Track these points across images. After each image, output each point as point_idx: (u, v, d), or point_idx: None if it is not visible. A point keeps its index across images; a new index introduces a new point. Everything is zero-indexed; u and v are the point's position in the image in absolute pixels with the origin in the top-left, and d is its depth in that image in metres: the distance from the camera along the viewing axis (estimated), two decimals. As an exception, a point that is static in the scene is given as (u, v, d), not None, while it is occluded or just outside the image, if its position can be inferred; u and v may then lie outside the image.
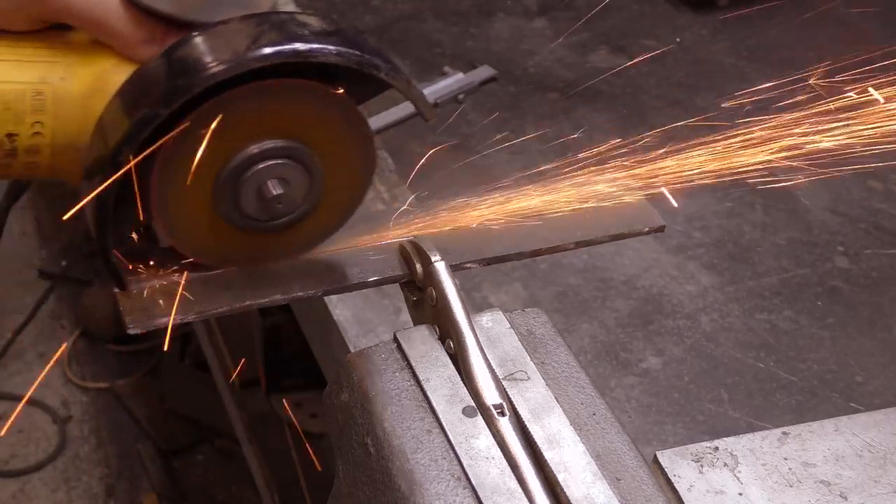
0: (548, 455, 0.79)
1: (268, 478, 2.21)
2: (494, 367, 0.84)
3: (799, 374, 1.38)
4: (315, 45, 0.81)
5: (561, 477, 0.78)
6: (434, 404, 0.82)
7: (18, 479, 2.80)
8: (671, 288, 1.50)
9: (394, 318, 1.38)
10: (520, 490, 0.77)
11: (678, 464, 0.86)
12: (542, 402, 0.83)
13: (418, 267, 0.90)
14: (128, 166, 0.80)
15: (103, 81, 0.85)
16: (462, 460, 0.78)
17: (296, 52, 0.80)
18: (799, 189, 1.67)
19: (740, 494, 0.84)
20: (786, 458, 0.87)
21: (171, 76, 0.80)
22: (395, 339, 0.86)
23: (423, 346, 0.86)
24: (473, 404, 0.82)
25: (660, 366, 1.39)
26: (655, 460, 0.86)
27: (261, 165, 0.85)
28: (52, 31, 0.86)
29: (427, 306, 0.89)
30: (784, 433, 0.89)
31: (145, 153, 0.81)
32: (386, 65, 0.83)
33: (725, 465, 0.86)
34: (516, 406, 0.82)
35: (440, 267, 0.88)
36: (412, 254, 0.91)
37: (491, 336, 0.87)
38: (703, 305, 1.48)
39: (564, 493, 0.77)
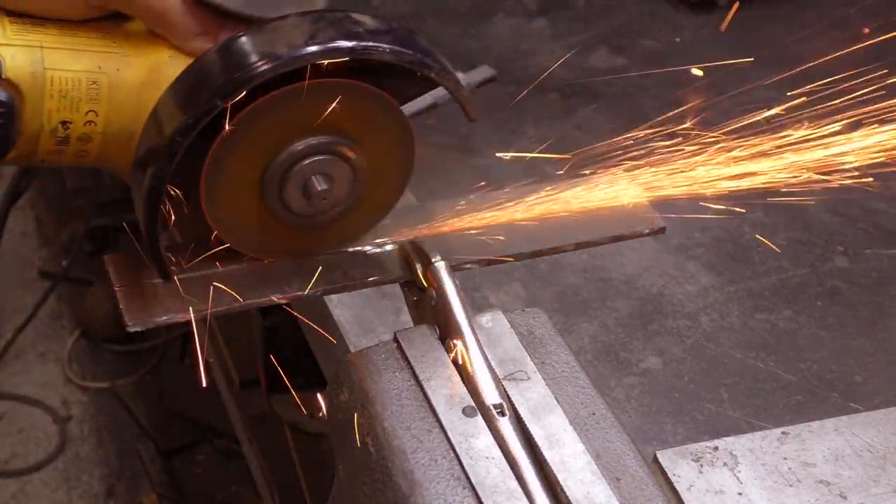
0: (548, 455, 0.79)
1: (268, 478, 2.21)
2: (494, 367, 0.84)
3: (799, 374, 1.38)
4: (370, 44, 0.82)
5: (561, 477, 0.78)
6: (434, 404, 0.82)
7: (18, 479, 2.80)
8: (671, 288, 1.50)
9: (394, 318, 1.38)
10: (520, 490, 0.77)
11: (678, 463, 0.86)
12: (542, 402, 0.83)
13: (418, 267, 0.90)
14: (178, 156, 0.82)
15: (158, 73, 0.87)
16: (462, 460, 0.78)
17: (351, 50, 0.82)
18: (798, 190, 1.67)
19: (740, 494, 0.84)
20: (785, 458, 0.87)
21: (229, 68, 0.82)
22: (395, 339, 0.86)
23: (423, 346, 0.86)
24: (473, 404, 0.82)
25: (660, 366, 1.39)
26: (655, 460, 0.86)
27: (307, 161, 0.87)
28: (109, 21, 0.87)
29: (427, 306, 0.89)
30: (784, 433, 0.89)
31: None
32: (436, 65, 0.85)
33: (725, 464, 0.86)
34: (516, 406, 0.82)
35: (440, 267, 0.88)
36: (412, 254, 0.91)
37: (491, 336, 0.87)
38: (703, 305, 1.47)
39: (564, 492, 0.77)
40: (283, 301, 0.91)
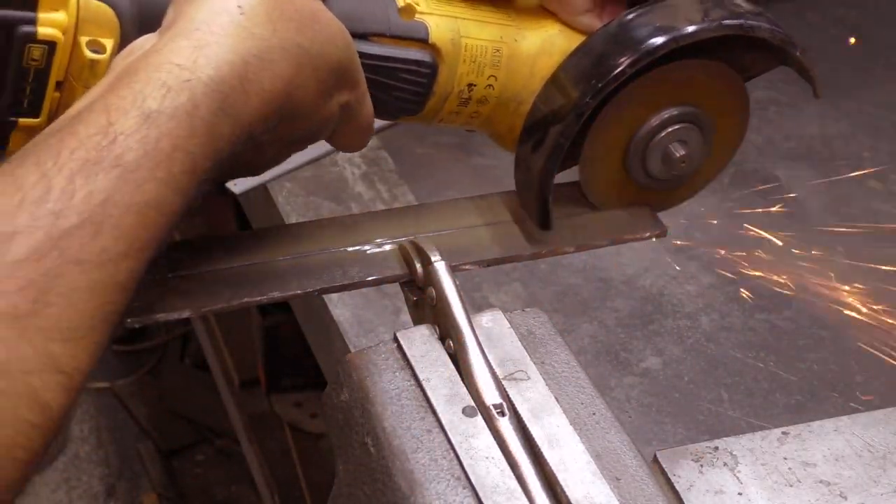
0: (548, 455, 0.79)
1: (268, 478, 2.22)
2: (494, 367, 0.84)
3: (799, 374, 1.38)
4: (753, 22, 0.91)
5: (561, 477, 0.78)
6: (434, 404, 0.82)
7: (18, 479, 2.79)
8: (671, 288, 1.50)
9: (394, 318, 1.38)
10: (520, 490, 0.77)
11: (678, 463, 0.86)
12: (542, 402, 0.83)
13: (418, 267, 0.90)
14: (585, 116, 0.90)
15: (550, 44, 0.96)
16: (462, 460, 0.78)
17: (741, 27, 0.91)
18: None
19: (740, 494, 0.84)
20: (786, 458, 0.87)
21: (637, 39, 0.89)
22: (395, 339, 0.86)
23: (423, 346, 0.86)
24: (473, 404, 0.82)
25: (660, 366, 1.39)
26: (655, 460, 0.86)
27: (667, 130, 0.95)
28: None
29: (427, 306, 0.89)
30: (784, 433, 0.89)
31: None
32: (801, 46, 0.93)
33: (725, 464, 0.86)
34: (516, 406, 0.82)
35: (440, 267, 0.88)
36: (412, 254, 0.91)
37: (491, 336, 0.87)
38: (703, 305, 1.48)
39: (564, 492, 0.77)
40: (282, 299, 0.91)
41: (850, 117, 1.84)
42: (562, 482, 0.77)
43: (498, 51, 0.94)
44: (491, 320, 0.89)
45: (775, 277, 1.51)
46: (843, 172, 1.72)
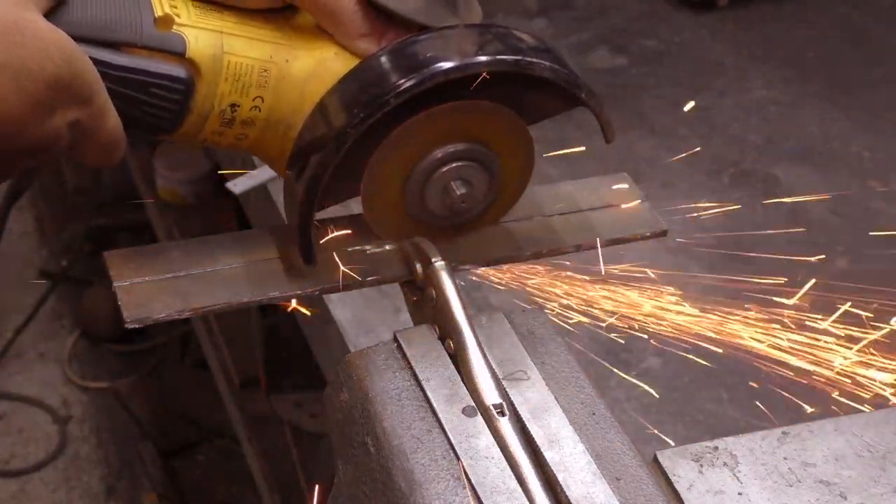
0: (548, 455, 0.79)
1: (268, 478, 2.22)
2: (494, 367, 0.84)
3: (799, 373, 1.38)
4: (534, 59, 0.86)
5: (561, 477, 0.78)
6: (434, 404, 0.82)
7: (18, 479, 2.80)
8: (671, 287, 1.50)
9: (394, 318, 1.38)
10: (520, 490, 0.77)
11: (678, 463, 0.86)
12: (541, 401, 0.83)
13: (418, 267, 0.90)
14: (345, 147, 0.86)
15: (323, 68, 0.90)
16: (462, 460, 0.78)
17: (517, 63, 0.86)
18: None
19: (740, 494, 0.84)
20: (785, 458, 0.87)
21: (406, 68, 0.85)
22: (395, 339, 0.86)
23: (423, 346, 0.86)
24: (473, 404, 0.82)
25: (660, 366, 1.39)
26: (655, 460, 0.86)
27: (450, 166, 0.91)
28: (281, 14, 0.91)
29: (427, 306, 0.89)
30: (784, 433, 0.89)
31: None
32: (586, 87, 0.89)
33: (725, 464, 0.86)
34: (516, 406, 0.82)
35: (440, 267, 0.88)
36: (412, 254, 0.91)
37: (491, 336, 0.87)
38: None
39: (564, 492, 0.77)
40: (282, 300, 0.91)
41: (850, 117, 1.84)
42: (562, 482, 0.77)
43: (266, 71, 0.88)
44: (491, 320, 0.89)
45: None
46: (843, 172, 1.72)
